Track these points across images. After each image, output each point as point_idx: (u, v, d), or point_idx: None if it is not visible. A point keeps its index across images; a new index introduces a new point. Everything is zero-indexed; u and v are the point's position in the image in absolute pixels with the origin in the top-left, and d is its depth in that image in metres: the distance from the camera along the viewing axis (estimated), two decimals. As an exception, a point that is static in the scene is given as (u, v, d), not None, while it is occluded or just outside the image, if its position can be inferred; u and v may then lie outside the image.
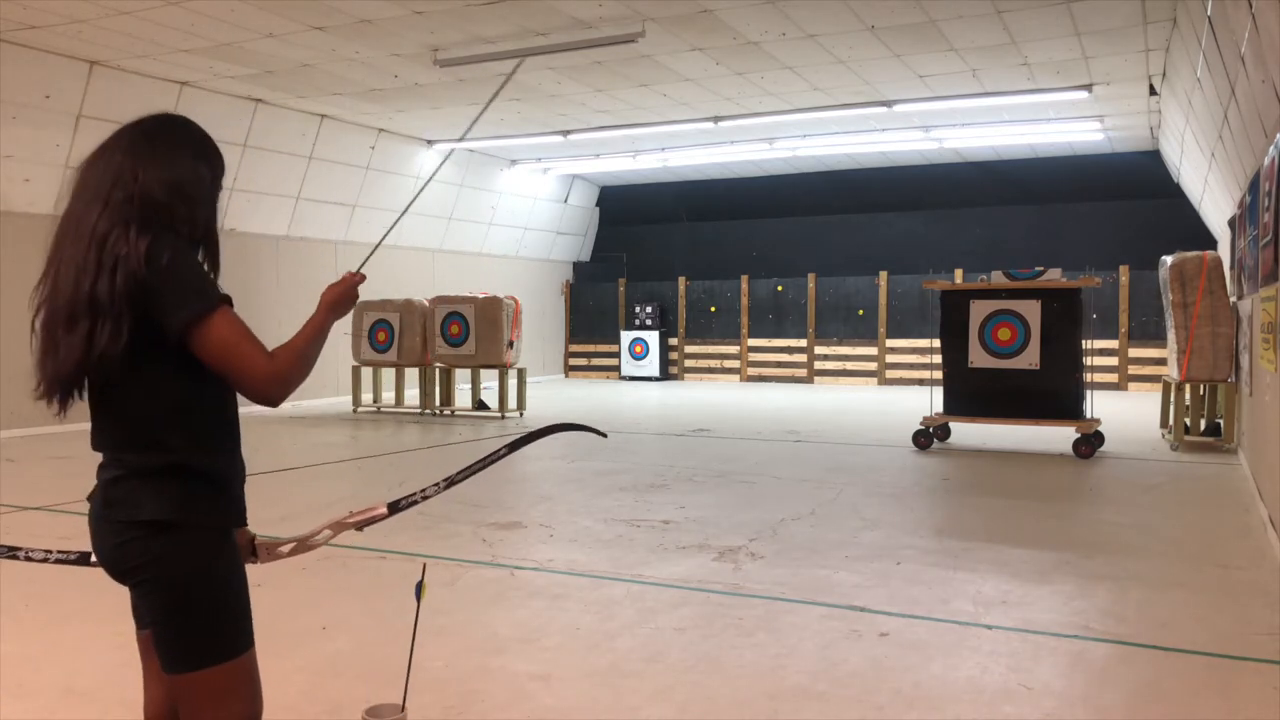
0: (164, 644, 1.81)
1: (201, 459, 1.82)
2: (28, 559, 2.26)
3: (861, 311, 17.15)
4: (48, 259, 1.84)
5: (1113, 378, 15.28)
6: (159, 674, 1.91)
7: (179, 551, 1.78)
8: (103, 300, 1.72)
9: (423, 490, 2.39)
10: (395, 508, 2.29)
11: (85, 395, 1.84)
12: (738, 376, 18.17)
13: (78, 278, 1.75)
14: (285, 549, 2.17)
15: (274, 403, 1.80)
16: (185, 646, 1.79)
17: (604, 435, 2.82)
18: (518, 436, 2.52)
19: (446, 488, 2.39)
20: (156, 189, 1.81)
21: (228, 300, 1.80)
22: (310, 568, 4.86)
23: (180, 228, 1.84)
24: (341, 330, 13.69)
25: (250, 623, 1.89)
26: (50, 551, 2.25)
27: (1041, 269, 9.15)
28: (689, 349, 18.63)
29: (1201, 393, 9.75)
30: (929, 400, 9.93)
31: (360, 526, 2.23)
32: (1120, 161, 15.75)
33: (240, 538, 2.11)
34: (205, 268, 1.88)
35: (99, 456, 1.89)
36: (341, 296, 1.99)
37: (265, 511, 5.24)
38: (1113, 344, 15.35)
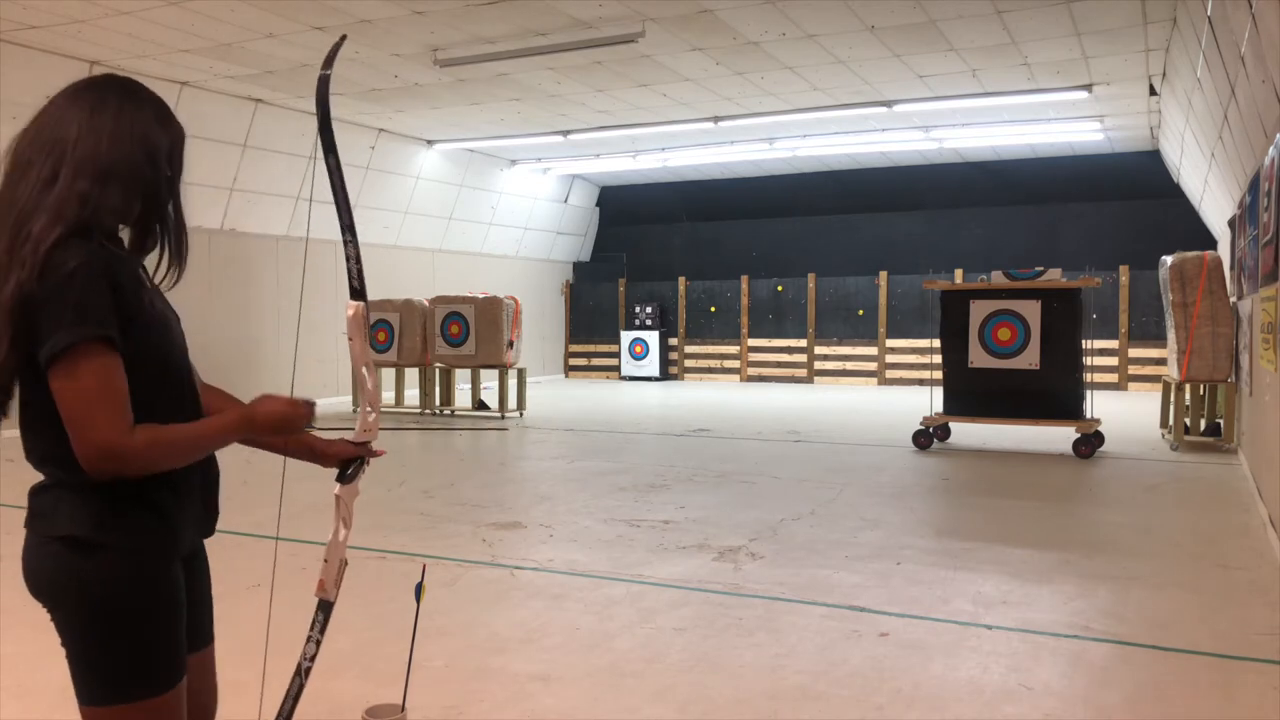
0: (72, 673, 1.61)
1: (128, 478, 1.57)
2: None
3: (861, 311, 17.15)
4: None
5: (1113, 378, 15.28)
6: None
7: (94, 574, 1.56)
8: None
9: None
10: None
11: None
12: (738, 376, 18.16)
13: None
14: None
15: (95, 476, 1.51)
16: (92, 679, 1.59)
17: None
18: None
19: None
20: (89, 168, 1.57)
21: (110, 340, 1.50)
22: (310, 568, 4.85)
23: (107, 219, 1.60)
24: (341, 331, 13.70)
25: (177, 659, 1.65)
26: None
27: (1041, 269, 9.15)
28: (689, 349, 18.62)
29: (1201, 393, 9.75)
30: (929, 400, 9.92)
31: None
32: (1120, 161, 15.74)
33: (298, 443, 1.93)
34: (122, 283, 1.55)
35: None
36: (283, 421, 1.69)
37: (265, 511, 5.23)
38: (1113, 344, 15.35)
